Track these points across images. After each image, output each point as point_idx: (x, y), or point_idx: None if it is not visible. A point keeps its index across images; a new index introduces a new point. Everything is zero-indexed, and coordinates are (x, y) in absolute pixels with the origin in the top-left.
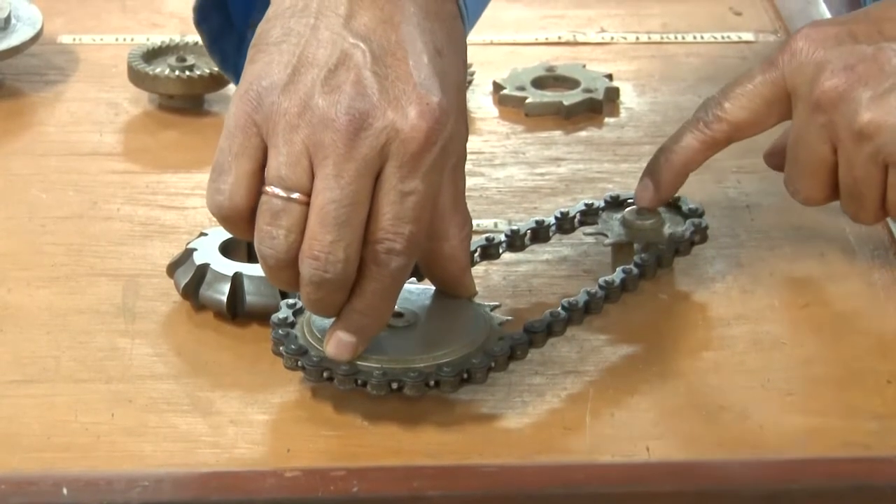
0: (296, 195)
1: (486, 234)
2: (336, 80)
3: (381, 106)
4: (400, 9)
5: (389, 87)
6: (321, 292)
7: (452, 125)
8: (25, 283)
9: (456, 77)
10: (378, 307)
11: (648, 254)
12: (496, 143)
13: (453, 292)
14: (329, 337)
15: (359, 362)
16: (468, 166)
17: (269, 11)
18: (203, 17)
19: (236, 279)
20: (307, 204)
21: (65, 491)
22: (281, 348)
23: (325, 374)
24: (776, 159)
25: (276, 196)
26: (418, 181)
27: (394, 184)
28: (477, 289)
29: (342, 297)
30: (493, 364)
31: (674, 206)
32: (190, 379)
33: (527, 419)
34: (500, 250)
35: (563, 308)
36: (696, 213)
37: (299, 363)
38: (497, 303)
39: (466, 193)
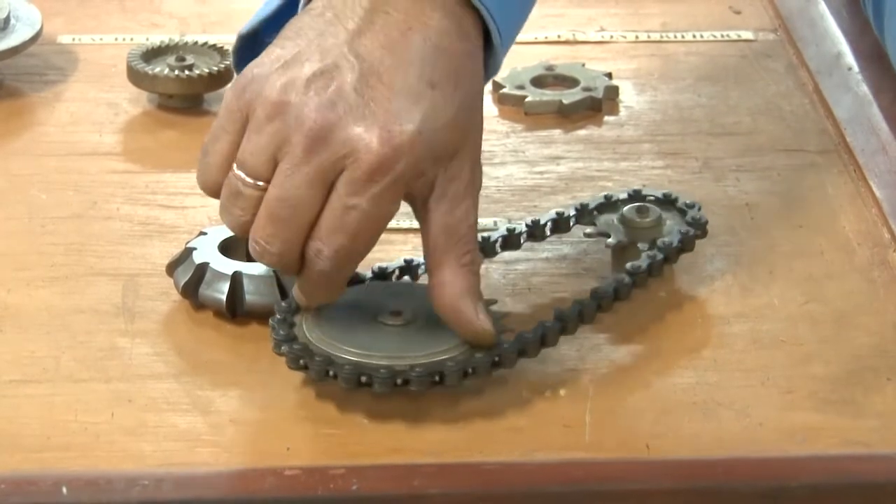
0: (256, 182)
1: (485, 232)
2: (317, 84)
3: (348, 121)
4: (406, 39)
5: (363, 106)
6: (270, 265)
7: (416, 158)
8: (25, 283)
9: (448, 113)
10: (314, 294)
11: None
12: (495, 141)
13: (456, 326)
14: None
15: (358, 360)
16: None
17: (300, 10)
18: (240, 62)
19: (236, 278)
20: (265, 191)
21: (64, 490)
22: (283, 347)
23: (329, 373)
24: None
25: (238, 178)
26: (362, 200)
27: (340, 194)
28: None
29: (292, 271)
30: (495, 361)
31: (671, 203)
32: (189, 378)
33: (527, 417)
34: (497, 248)
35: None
36: (693, 209)
37: (301, 362)
38: (495, 299)
39: None
